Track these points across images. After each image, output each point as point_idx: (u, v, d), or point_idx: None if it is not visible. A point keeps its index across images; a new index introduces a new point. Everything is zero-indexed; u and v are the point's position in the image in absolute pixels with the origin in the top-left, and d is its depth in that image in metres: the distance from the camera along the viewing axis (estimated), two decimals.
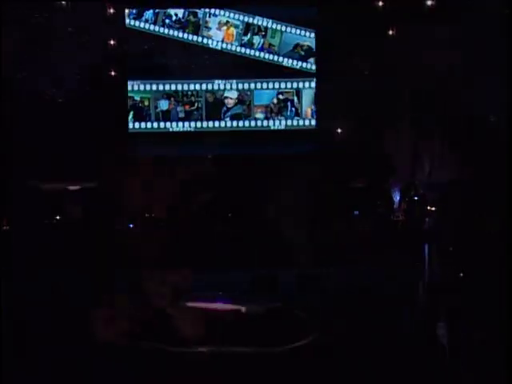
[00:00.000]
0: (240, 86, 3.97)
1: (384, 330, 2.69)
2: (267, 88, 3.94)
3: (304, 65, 3.70)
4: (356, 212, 3.74)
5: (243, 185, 3.76)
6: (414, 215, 3.78)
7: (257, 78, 3.96)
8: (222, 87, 4.03)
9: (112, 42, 4.08)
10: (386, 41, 3.77)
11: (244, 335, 2.54)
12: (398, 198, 3.76)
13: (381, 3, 3.66)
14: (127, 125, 3.98)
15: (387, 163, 3.88)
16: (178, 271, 2.96)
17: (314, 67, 3.72)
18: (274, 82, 3.92)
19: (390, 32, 3.72)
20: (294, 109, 3.87)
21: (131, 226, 3.66)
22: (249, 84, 3.93)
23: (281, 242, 3.53)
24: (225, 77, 4.05)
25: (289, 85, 3.84)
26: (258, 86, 3.95)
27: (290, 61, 3.81)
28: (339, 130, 3.68)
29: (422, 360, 2.39)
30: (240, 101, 4.00)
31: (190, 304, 2.55)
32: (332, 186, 3.80)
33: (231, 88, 3.91)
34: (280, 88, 3.85)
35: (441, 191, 3.43)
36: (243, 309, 2.57)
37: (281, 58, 3.76)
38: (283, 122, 3.98)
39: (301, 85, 3.79)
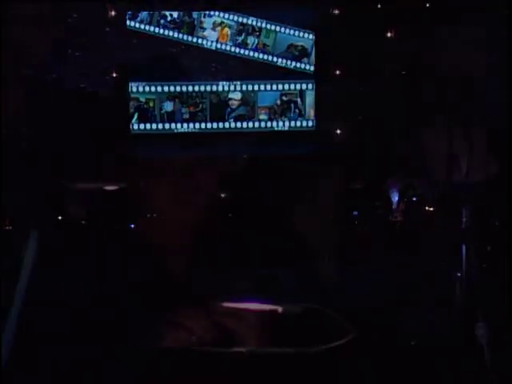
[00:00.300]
0: (244, 88, 3.95)
1: (419, 330, 2.68)
2: (271, 89, 3.92)
3: (298, 65, 3.75)
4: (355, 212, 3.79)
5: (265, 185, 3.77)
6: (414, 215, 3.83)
7: (261, 79, 3.96)
8: (226, 89, 4.00)
9: (115, 44, 4.05)
10: (386, 42, 3.86)
11: (280, 335, 2.53)
12: (397, 198, 3.82)
13: (379, 5, 3.72)
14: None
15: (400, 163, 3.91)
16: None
17: (307, 67, 3.76)
18: (277, 84, 3.90)
19: (389, 34, 3.77)
20: (297, 110, 3.86)
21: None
22: (253, 85, 3.90)
23: (281, 241, 3.55)
24: (229, 78, 4.02)
25: (292, 86, 3.84)
26: (262, 87, 3.93)
27: (284, 61, 3.83)
28: (339, 131, 3.76)
29: (460, 362, 2.39)
30: (244, 102, 3.98)
31: (227, 304, 2.54)
32: (339, 186, 3.83)
33: (235, 89, 3.89)
34: (284, 89, 3.85)
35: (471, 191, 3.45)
36: (280, 309, 2.56)
37: (275, 58, 3.77)
38: (287, 124, 3.98)
39: (304, 86, 3.80)
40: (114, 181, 3.32)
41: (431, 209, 3.77)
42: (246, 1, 3.73)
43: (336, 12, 3.66)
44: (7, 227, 3.45)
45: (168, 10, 3.83)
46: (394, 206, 3.81)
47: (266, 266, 3.25)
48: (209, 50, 3.76)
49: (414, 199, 3.73)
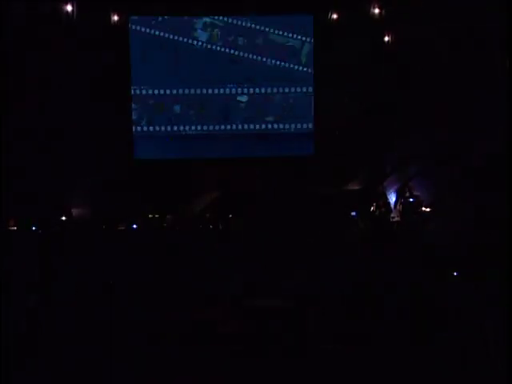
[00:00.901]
0: (251, 90, 4.01)
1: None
2: (277, 92, 3.99)
3: (287, 65, 3.85)
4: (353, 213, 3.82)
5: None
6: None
7: (267, 82, 4.01)
8: (233, 91, 4.07)
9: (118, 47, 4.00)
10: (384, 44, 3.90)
11: (302, 332, 2.59)
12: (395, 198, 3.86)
13: (377, 10, 3.77)
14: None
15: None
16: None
17: (296, 67, 3.86)
18: (283, 87, 3.98)
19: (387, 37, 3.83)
20: (303, 112, 3.94)
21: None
22: (259, 88, 3.97)
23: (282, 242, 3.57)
24: (236, 81, 4.08)
25: (298, 89, 3.91)
26: (269, 90, 4.00)
27: (274, 61, 3.90)
28: (340, 132, 3.79)
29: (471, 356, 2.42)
30: (251, 104, 4.04)
31: (249, 301, 2.58)
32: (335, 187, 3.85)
33: (242, 92, 3.95)
34: (290, 92, 3.92)
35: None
36: (298, 305, 2.60)
37: (264, 59, 3.85)
38: (293, 125, 4.05)
39: (310, 89, 3.87)
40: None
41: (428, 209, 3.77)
42: (250, 6, 3.76)
43: (333, 17, 3.70)
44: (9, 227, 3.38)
45: (170, 16, 3.84)
46: (391, 207, 3.83)
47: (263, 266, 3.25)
48: (215, 53, 3.79)
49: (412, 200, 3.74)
